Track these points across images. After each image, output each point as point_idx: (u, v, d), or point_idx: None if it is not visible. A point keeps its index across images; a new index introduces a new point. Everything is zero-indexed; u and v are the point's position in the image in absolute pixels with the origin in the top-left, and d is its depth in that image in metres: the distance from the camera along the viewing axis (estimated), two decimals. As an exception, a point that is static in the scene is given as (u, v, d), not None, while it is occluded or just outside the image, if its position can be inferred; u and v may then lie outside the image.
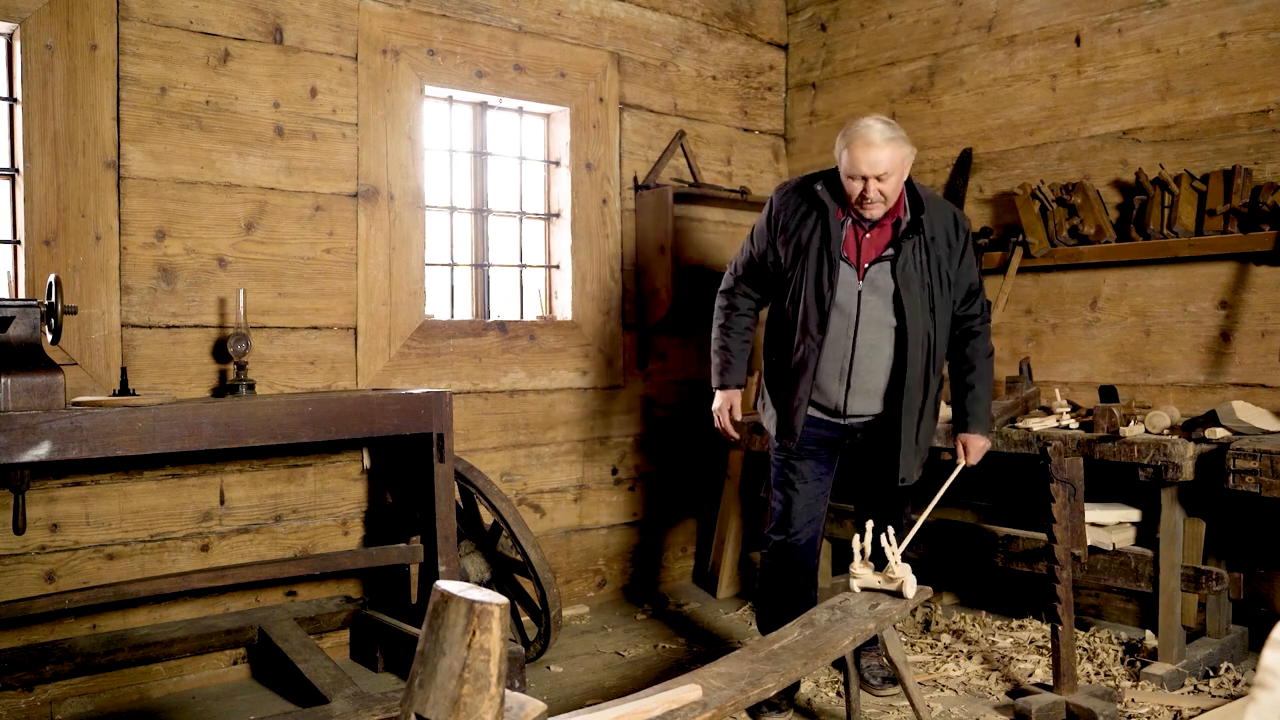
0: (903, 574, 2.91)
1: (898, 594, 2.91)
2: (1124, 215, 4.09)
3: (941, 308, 3.22)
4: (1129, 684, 3.39)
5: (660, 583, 4.81)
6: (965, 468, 3.34)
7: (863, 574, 2.97)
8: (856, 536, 3.00)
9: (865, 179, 3.07)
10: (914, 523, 3.29)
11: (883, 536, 2.93)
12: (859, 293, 3.18)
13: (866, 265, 3.19)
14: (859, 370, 3.23)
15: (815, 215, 3.21)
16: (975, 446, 3.33)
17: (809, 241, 3.20)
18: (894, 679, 3.34)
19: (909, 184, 3.21)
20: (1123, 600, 4.07)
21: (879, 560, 3.04)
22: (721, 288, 3.47)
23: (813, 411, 3.29)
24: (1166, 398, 3.98)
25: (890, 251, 3.17)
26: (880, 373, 3.23)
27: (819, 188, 3.22)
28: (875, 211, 3.13)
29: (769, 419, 3.36)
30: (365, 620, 3.71)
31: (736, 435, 3.50)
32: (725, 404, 3.45)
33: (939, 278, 3.20)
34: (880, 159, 3.04)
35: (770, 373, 3.36)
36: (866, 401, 3.27)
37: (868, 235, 3.21)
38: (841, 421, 3.31)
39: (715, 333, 3.45)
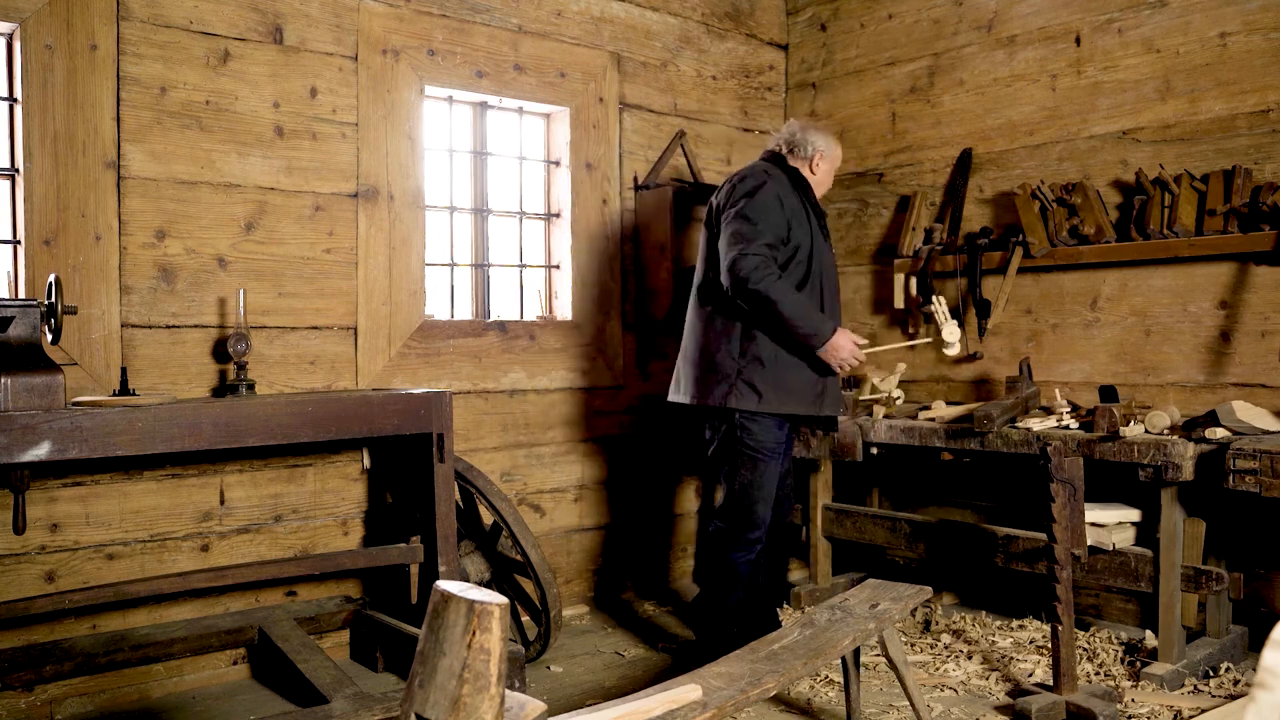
0: None
1: None
2: (1124, 215, 4.09)
3: None
4: (1129, 684, 3.39)
5: (661, 582, 4.80)
6: None
7: None
8: None
9: None
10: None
11: None
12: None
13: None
14: None
15: (799, 196, 3.47)
16: None
17: (808, 220, 3.46)
18: None
19: None
20: (1123, 600, 4.07)
21: None
22: (756, 260, 3.26)
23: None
24: (1166, 398, 3.98)
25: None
26: None
27: (791, 168, 3.54)
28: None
29: (794, 399, 3.38)
30: (365, 620, 3.71)
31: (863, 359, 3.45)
32: (848, 338, 3.36)
33: None
34: None
35: (778, 360, 3.36)
36: None
37: None
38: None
39: (784, 293, 3.27)
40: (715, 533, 3.49)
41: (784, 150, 3.58)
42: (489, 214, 4.43)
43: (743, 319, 3.38)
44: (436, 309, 4.25)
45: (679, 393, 3.58)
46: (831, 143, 3.60)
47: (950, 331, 3.99)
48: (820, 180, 3.60)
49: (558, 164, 4.57)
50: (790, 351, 3.37)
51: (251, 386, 3.42)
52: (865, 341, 3.47)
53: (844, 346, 3.35)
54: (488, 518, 3.91)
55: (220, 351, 3.56)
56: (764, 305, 3.27)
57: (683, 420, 4.84)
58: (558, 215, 4.58)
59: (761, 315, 3.31)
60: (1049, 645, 3.74)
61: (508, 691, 1.63)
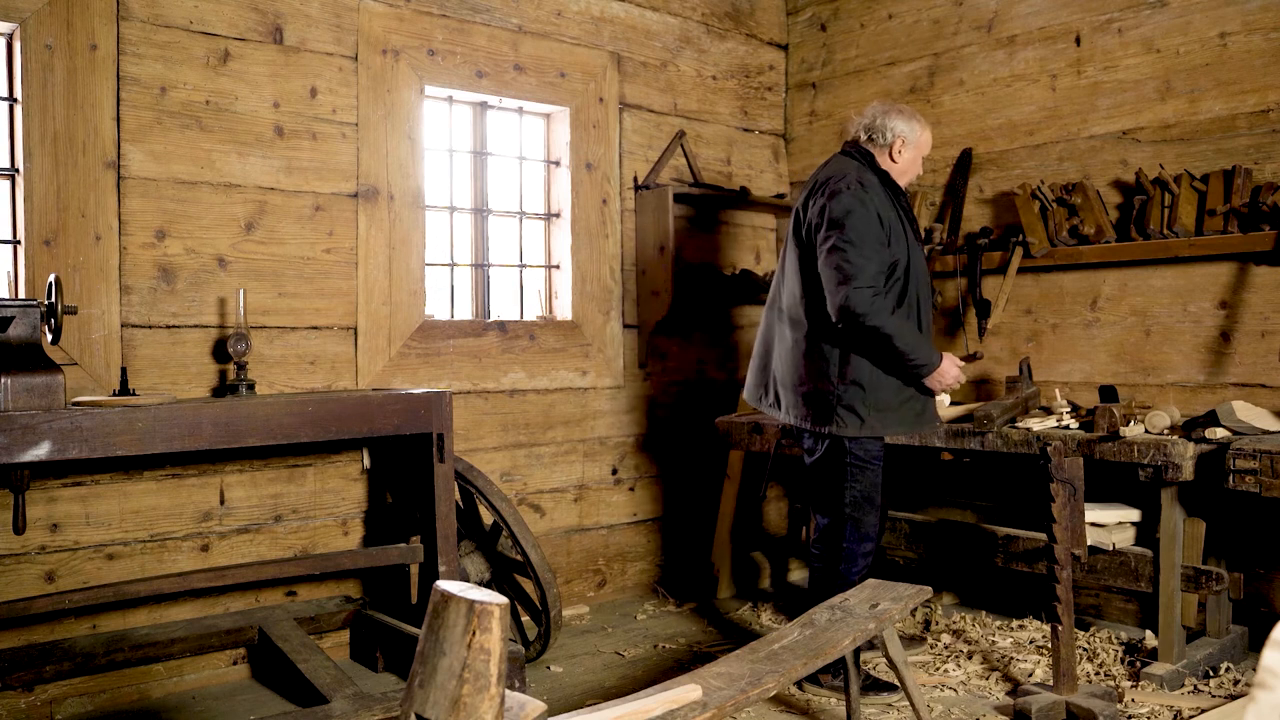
0: None
1: None
2: (1124, 215, 4.09)
3: None
4: (1129, 684, 3.39)
5: (660, 583, 4.80)
6: None
7: None
8: None
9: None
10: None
11: None
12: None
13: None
14: None
15: (892, 200, 3.37)
16: None
17: (904, 229, 3.36)
18: (875, 686, 3.37)
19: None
20: (1123, 600, 4.07)
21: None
22: (868, 295, 3.17)
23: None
24: (1166, 398, 3.98)
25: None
26: None
27: (881, 172, 3.40)
28: None
29: (895, 420, 3.35)
30: (365, 620, 3.71)
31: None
32: (952, 363, 3.38)
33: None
34: None
35: (877, 383, 3.32)
36: None
37: None
38: None
39: (898, 326, 3.22)
40: (832, 552, 3.42)
41: (863, 138, 3.42)
42: (489, 214, 4.43)
43: (840, 344, 3.30)
44: (436, 309, 4.25)
45: (779, 409, 3.48)
46: (916, 126, 3.40)
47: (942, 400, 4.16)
48: (903, 168, 3.42)
49: (558, 164, 4.57)
50: (888, 373, 3.32)
51: (251, 386, 3.42)
52: (964, 364, 3.49)
53: (948, 372, 3.37)
54: (488, 518, 3.91)
55: (220, 351, 3.56)
56: (880, 341, 3.23)
57: (684, 420, 4.84)
58: (558, 215, 4.58)
59: (874, 348, 3.27)
60: (1049, 645, 3.74)
61: (508, 691, 1.63)
